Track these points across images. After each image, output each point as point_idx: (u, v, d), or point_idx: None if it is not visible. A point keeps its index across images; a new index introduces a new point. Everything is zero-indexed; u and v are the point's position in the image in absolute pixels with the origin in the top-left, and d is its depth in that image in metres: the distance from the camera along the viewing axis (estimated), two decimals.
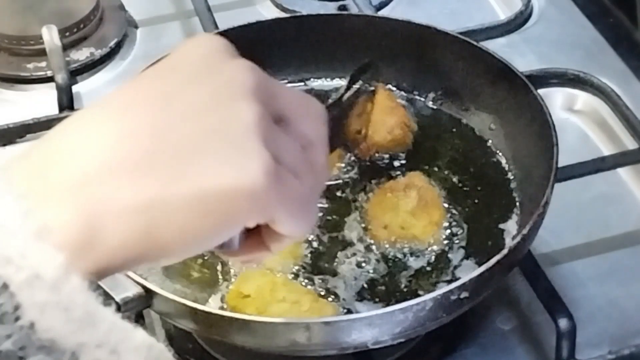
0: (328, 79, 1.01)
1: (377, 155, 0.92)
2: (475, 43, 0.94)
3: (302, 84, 1.01)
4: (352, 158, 0.92)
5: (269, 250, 0.55)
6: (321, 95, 0.98)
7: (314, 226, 0.55)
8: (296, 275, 0.81)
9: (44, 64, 1.14)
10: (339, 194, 0.88)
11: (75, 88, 1.11)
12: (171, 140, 0.48)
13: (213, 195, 0.47)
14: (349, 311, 0.78)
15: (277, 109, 0.51)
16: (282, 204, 0.50)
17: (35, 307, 0.42)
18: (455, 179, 0.90)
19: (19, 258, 0.42)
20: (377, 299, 0.79)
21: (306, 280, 0.81)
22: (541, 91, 0.93)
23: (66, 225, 0.45)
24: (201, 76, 0.50)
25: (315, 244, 0.83)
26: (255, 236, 0.55)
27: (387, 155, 0.92)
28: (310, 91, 1.00)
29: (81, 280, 0.44)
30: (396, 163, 0.91)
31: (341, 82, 1.00)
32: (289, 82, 1.00)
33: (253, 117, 0.49)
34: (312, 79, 1.01)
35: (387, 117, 0.93)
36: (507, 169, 0.90)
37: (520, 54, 1.12)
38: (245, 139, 0.48)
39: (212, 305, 0.79)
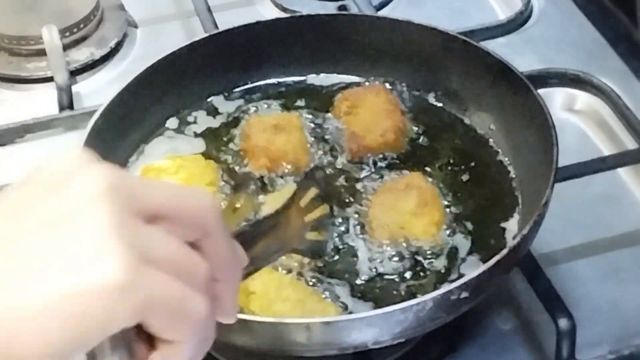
0: (325, 78, 1.01)
1: (378, 155, 0.92)
2: (475, 43, 0.94)
3: (301, 80, 1.00)
4: (348, 158, 0.92)
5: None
6: (320, 92, 0.99)
7: (207, 335, 0.50)
8: (299, 275, 0.81)
9: (44, 64, 1.14)
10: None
11: (75, 88, 1.11)
12: (21, 253, 0.46)
13: (69, 297, 0.44)
14: (349, 311, 0.78)
15: (147, 208, 0.48)
16: (149, 300, 0.46)
17: None
18: (455, 179, 0.90)
19: None
20: (377, 299, 0.79)
21: (305, 280, 0.81)
22: (541, 91, 0.94)
23: None
24: (55, 186, 0.48)
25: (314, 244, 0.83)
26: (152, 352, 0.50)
27: (387, 156, 0.92)
28: (309, 87, 1.00)
29: None
30: (396, 163, 0.91)
31: (340, 79, 1.00)
32: (289, 82, 1.00)
33: (107, 217, 0.46)
34: (309, 77, 1.01)
35: (382, 120, 0.93)
36: (507, 169, 0.90)
37: (520, 54, 1.12)
38: (99, 239, 0.45)
39: None
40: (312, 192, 0.76)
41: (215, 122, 0.96)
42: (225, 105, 0.98)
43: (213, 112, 0.97)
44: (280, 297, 0.76)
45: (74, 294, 0.45)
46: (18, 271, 0.45)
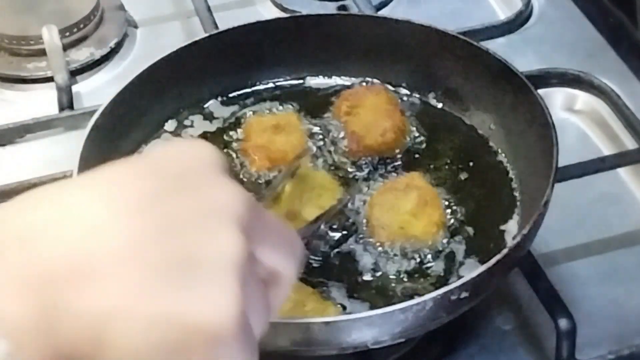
0: (326, 77, 1.01)
1: (378, 155, 0.92)
2: (475, 43, 0.94)
3: (301, 81, 1.00)
4: (348, 158, 0.92)
5: None
6: (320, 93, 0.99)
7: None
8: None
9: (44, 64, 1.14)
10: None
11: (75, 88, 1.11)
12: (145, 253, 0.43)
13: (173, 322, 0.43)
14: (348, 311, 0.78)
15: (260, 241, 0.47)
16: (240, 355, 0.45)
17: None
18: (455, 179, 0.90)
19: None
20: (377, 299, 0.79)
21: (304, 281, 0.81)
22: (541, 91, 0.94)
23: (18, 320, 0.42)
24: (187, 188, 0.45)
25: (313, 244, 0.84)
26: None
27: (387, 156, 0.92)
28: (309, 87, 1.00)
29: None
30: (396, 163, 0.91)
31: (339, 81, 1.00)
32: (288, 81, 1.00)
33: (237, 253, 0.44)
34: (310, 77, 1.01)
35: (382, 119, 0.93)
36: (507, 168, 0.90)
37: (520, 54, 1.12)
38: (224, 274, 0.43)
39: None
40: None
41: (212, 127, 0.96)
42: (225, 106, 0.98)
43: (210, 116, 0.97)
44: None
45: (180, 321, 0.43)
46: (140, 272, 0.43)
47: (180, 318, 0.43)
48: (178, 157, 0.47)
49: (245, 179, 0.90)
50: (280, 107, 0.97)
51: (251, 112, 0.97)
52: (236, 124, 0.96)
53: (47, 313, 0.42)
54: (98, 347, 0.43)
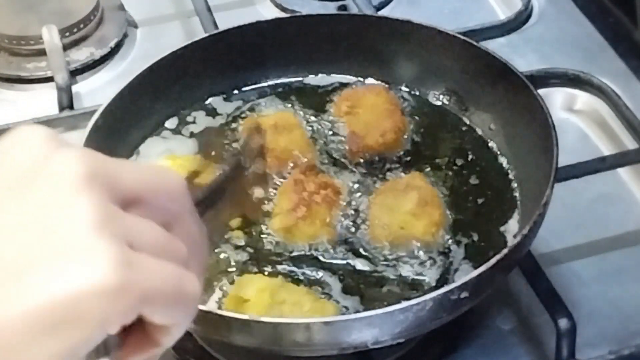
0: (326, 77, 1.01)
1: (378, 155, 0.92)
2: (475, 43, 0.94)
3: (301, 80, 1.00)
4: (348, 158, 0.92)
5: (160, 344, 0.49)
6: (320, 93, 0.99)
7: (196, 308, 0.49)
8: (293, 278, 0.81)
9: (44, 64, 1.14)
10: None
11: (75, 88, 1.11)
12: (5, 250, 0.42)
13: (60, 303, 0.41)
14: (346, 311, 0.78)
15: (124, 191, 0.46)
16: (147, 293, 0.44)
17: None
18: (455, 179, 0.90)
19: None
20: (377, 299, 0.79)
21: (305, 281, 0.81)
22: (541, 91, 0.94)
23: None
24: (25, 178, 0.44)
25: (314, 244, 0.84)
26: (138, 333, 0.48)
27: (387, 156, 0.92)
28: (309, 87, 1.00)
29: None
30: (396, 163, 0.91)
31: (339, 81, 1.00)
32: (288, 81, 1.01)
33: (91, 209, 0.43)
34: (310, 77, 1.01)
35: (382, 120, 0.93)
36: (507, 169, 0.90)
37: (520, 54, 1.12)
38: (85, 236, 0.42)
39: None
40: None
41: (215, 123, 0.96)
42: (225, 106, 0.98)
43: (212, 112, 0.97)
44: (276, 301, 0.76)
45: (67, 299, 0.41)
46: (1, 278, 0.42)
47: (59, 297, 0.41)
48: (6, 150, 0.46)
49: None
50: (282, 106, 0.97)
51: (253, 109, 0.97)
52: (240, 119, 0.96)
53: None
54: None
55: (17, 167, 0.45)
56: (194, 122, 0.96)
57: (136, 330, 0.47)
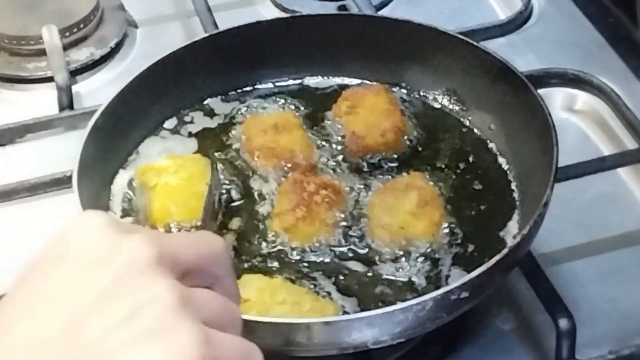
0: (325, 77, 1.01)
1: (378, 155, 0.92)
2: (475, 43, 0.94)
3: (301, 81, 1.00)
4: (348, 158, 0.92)
5: None
6: (320, 93, 0.99)
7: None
8: (293, 278, 0.81)
9: (44, 64, 1.14)
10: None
11: (75, 88, 1.11)
12: (85, 340, 0.44)
13: None
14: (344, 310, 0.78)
15: (182, 265, 0.49)
16: None
17: None
18: (455, 179, 0.90)
19: None
20: (377, 299, 0.79)
21: (304, 281, 0.81)
22: (541, 91, 0.93)
23: None
24: (98, 261, 0.47)
25: (314, 244, 0.83)
26: None
27: (387, 156, 0.92)
28: (309, 87, 1.00)
29: None
30: (396, 163, 0.91)
31: (339, 81, 1.00)
32: (288, 81, 1.00)
33: (168, 293, 0.46)
34: (310, 77, 1.01)
35: (382, 120, 0.93)
36: (507, 169, 0.90)
37: (520, 54, 1.12)
38: (169, 317, 0.45)
39: None
40: None
41: (213, 123, 0.96)
42: (224, 106, 0.98)
43: (210, 112, 0.97)
44: (276, 301, 0.76)
45: None
46: None
47: None
48: (74, 235, 0.48)
49: (250, 179, 0.90)
50: (281, 107, 0.97)
51: (250, 111, 0.97)
52: (237, 120, 0.96)
53: None
54: None
55: (87, 249, 0.47)
56: (192, 122, 0.96)
57: None
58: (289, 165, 0.90)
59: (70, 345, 0.44)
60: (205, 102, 0.98)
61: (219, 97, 0.99)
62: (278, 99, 0.98)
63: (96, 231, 0.48)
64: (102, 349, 0.44)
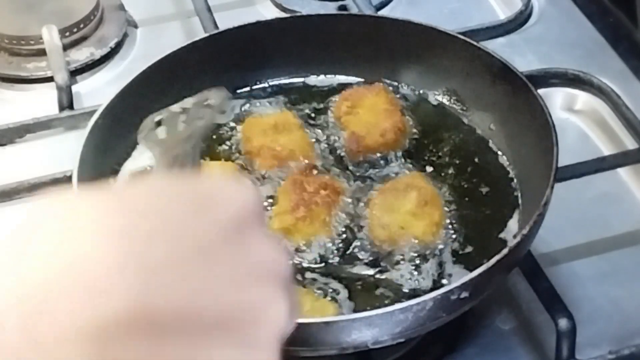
0: (325, 77, 1.01)
1: (378, 155, 0.92)
2: (475, 43, 0.94)
3: (301, 81, 1.00)
4: (348, 158, 0.92)
5: None
6: (320, 93, 0.99)
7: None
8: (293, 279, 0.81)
9: (44, 64, 1.14)
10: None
11: (75, 88, 1.11)
12: (198, 304, 0.41)
13: None
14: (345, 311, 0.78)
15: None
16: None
17: None
18: (455, 179, 0.90)
19: None
20: (377, 299, 0.79)
21: (303, 282, 0.81)
22: (541, 91, 0.93)
23: None
24: (241, 240, 0.44)
25: (313, 244, 0.83)
26: None
27: (387, 156, 0.92)
28: (308, 87, 1.00)
29: None
30: (396, 163, 0.91)
31: (339, 81, 1.00)
32: (288, 81, 1.00)
33: (283, 319, 0.45)
34: (310, 77, 1.01)
35: (382, 119, 0.93)
36: (507, 169, 0.90)
37: (520, 54, 1.12)
38: (269, 339, 0.45)
39: None
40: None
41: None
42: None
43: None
44: None
45: None
46: (190, 326, 0.41)
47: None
48: (224, 200, 0.45)
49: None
50: (281, 107, 0.97)
51: (250, 110, 0.97)
52: (236, 120, 0.96)
53: None
54: None
55: (225, 223, 0.44)
56: None
57: None
58: (289, 165, 0.90)
59: (178, 298, 0.41)
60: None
61: None
62: (278, 99, 0.98)
63: (237, 209, 0.45)
64: (207, 320, 0.42)
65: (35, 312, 0.39)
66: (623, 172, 0.99)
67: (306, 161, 0.90)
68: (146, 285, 0.40)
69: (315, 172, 0.89)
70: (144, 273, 0.40)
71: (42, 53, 1.13)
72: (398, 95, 0.98)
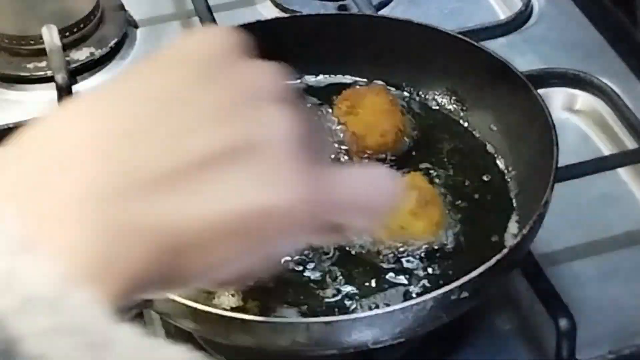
0: (325, 77, 1.01)
1: (378, 156, 0.92)
2: (475, 43, 0.94)
3: (300, 81, 1.00)
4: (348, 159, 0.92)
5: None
6: (319, 93, 0.99)
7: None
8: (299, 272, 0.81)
9: (44, 64, 1.14)
10: None
11: (75, 88, 1.11)
12: (195, 149, 0.42)
13: (250, 214, 0.43)
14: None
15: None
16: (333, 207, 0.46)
17: (33, 336, 0.35)
18: (455, 179, 0.90)
19: (10, 279, 0.36)
20: (377, 299, 0.79)
21: (305, 281, 0.81)
22: (541, 91, 0.93)
23: (78, 248, 0.38)
24: (217, 74, 0.44)
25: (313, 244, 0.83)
26: None
27: (387, 156, 0.92)
28: (308, 87, 1.00)
29: (88, 296, 0.37)
30: (396, 163, 0.91)
31: (339, 81, 1.00)
32: (287, 81, 1.00)
33: (290, 132, 0.44)
34: (310, 77, 1.01)
35: (381, 120, 0.92)
36: (507, 168, 0.90)
37: (520, 54, 1.12)
38: (283, 159, 0.44)
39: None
40: None
41: None
42: None
43: None
44: None
45: (258, 211, 0.43)
46: (194, 174, 0.41)
47: (252, 208, 0.43)
48: (195, 44, 0.46)
49: None
50: None
51: None
52: None
53: (106, 235, 0.39)
54: (175, 265, 0.42)
55: (206, 60, 0.45)
56: None
57: None
58: None
59: (171, 152, 0.42)
60: None
61: None
62: None
63: (217, 45, 0.47)
64: (209, 163, 0.42)
65: (33, 191, 0.40)
66: (623, 172, 0.99)
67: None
68: (130, 149, 0.41)
69: None
70: (126, 137, 0.41)
71: (42, 53, 1.13)
72: (398, 96, 0.98)
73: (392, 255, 0.82)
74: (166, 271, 0.42)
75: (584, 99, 1.08)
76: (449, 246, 0.83)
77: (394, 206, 0.50)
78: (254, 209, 0.43)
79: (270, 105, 0.45)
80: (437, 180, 0.89)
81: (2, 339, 0.34)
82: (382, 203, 0.49)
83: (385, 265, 0.82)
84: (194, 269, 0.43)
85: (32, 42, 1.15)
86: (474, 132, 0.94)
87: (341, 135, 0.94)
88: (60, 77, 1.08)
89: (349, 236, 0.50)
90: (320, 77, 1.01)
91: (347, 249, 0.83)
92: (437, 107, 0.97)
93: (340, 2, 1.21)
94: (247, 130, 0.43)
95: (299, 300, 0.79)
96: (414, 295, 0.79)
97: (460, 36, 0.95)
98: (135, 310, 0.72)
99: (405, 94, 0.99)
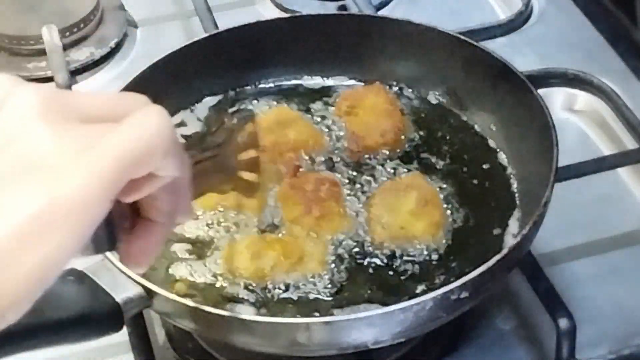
0: (325, 77, 1.01)
1: (378, 156, 0.92)
2: (475, 43, 0.94)
3: (301, 81, 1.00)
4: (348, 158, 0.92)
5: (162, 218, 0.56)
6: (319, 93, 0.99)
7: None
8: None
9: (44, 64, 1.14)
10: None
11: (75, 88, 1.11)
12: None
13: (47, 210, 0.46)
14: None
15: (84, 113, 0.51)
16: (125, 158, 0.50)
17: None
18: (455, 179, 0.90)
19: None
20: (377, 299, 0.79)
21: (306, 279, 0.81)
22: (541, 91, 0.93)
23: None
24: None
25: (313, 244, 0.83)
26: (142, 225, 0.55)
27: (386, 156, 0.92)
28: (308, 89, 1.00)
29: None
30: (396, 163, 0.91)
31: (339, 81, 1.00)
32: (288, 81, 1.00)
33: (52, 135, 0.48)
34: (310, 77, 1.01)
35: (381, 120, 0.93)
36: (507, 168, 0.90)
37: (520, 54, 1.12)
38: (49, 153, 0.47)
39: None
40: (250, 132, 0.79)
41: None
42: (223, 106, 0.98)
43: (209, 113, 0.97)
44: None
45: (52, 205, 0.46)
46: None
47: (48, 203, 0.46)
48: None
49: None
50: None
51: (251, 110, 0.97)
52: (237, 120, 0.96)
53: None
54: None
55: None
56: (185, 125, 0.96)
57: (140, 224, 0.55)
58: (303, 154, 0.90)
59: None
60: (207, 100, 0.98)
61: (220, 95, 0.99)
62: (277, 99, 0.98)
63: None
64: None
65: None
66: (623, 172, 0.99)
67: (296, 162, 0.90)
68: None
69: (304, 170, 0.89)
70: None
71: (42, 53, 1.13)
72: (398, 96, 0.98)
73: (392, 255, 0.82)
74: None
75: (584, 99, 1.08)
76: (449, 246, 0.83)
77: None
78: (54, 199, 0.46)
79: (33, 117, 0.50)
80: (437, 180, 0.89)
81: None
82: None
83: (385, 265, 0.82)
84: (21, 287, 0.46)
85: (32, 42, 1.15)
86: (473, 132, 0.94)
87: (341, 135, 0.94)
88: (60, 77, 1.08)
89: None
90: (320, 77, 1.01)
91: (347, 249, 0.83)
92: (437, 107, 0.97)
93: (340, 2, 1.21)
94: (21, 148, 0.48)
95: (299, 299, 0.79)
96: (414, 295, 0.78)
97: (460, 36, 0.95)
98: (135, 310, 0.72)
99: (405, 94, 0.99)
